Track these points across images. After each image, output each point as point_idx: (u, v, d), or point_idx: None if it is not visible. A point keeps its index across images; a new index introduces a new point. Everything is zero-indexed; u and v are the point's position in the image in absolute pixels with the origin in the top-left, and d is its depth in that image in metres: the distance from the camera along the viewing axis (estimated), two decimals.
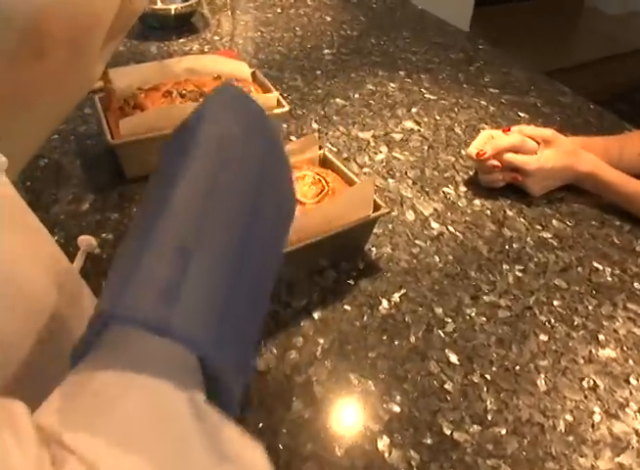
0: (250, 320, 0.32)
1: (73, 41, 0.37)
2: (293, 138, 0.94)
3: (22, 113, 0.38)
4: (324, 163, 0.77)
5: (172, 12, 1.24)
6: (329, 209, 0.63)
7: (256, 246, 0.32)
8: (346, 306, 0.67)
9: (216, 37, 1.24)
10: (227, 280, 0.29)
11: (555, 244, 0.78)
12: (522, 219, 0.82)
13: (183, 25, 1.26)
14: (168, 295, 0.26)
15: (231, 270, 0.29)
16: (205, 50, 1.19)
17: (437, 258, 0.74)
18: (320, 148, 0.77)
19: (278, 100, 0.86)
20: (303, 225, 0.62)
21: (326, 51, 1.21)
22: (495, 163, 0.83)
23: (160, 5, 1.29)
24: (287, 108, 0.86)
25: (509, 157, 0.83)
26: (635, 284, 0.73)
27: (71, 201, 0.80)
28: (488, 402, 0.59)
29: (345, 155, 0.91)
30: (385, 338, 0.64)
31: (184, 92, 0.84)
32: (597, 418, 0.58)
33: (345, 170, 0.73)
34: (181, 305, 0.26)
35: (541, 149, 0.84)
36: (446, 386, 0.60)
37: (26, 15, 0.33)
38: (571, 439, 0.56)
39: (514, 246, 0.77)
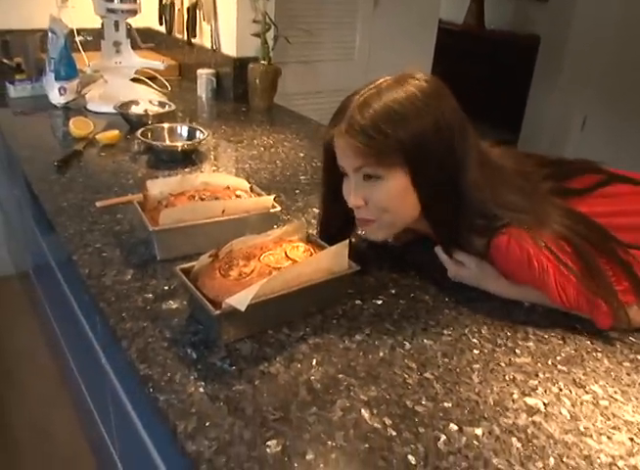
0: None
1: None
2: None
3: None
4: (309, 241, 1.05)
5: (179, 148, 1.58)
6: (317, 260, 0.91)
7: None
8: (331, 335, 0.91)
9: (214, 168, 1.58)
10: None
11: None
12: None
13: (187, 159, 1.60)
14: None
15: None
16: None
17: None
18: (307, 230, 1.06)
19: (272, 203, 1.16)
20: (297, 274, 0.89)
21: (302, 177, 1.54)
22: None
23: (168, 142, 1.64)
24: (279, 208, 1.16)
25: None
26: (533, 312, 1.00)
27: (116, 274, 1.05)
28: (438, 389, 0.82)
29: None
30: (361, 354, 0.88)
31: (203, 196, 1.13)
32: (515, 396, 0.81)
33: (326, 246, 1.02)
34: None
35: None
36: (408, 380, 0.83)
37: None
38: (498, 408, 0.79)
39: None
